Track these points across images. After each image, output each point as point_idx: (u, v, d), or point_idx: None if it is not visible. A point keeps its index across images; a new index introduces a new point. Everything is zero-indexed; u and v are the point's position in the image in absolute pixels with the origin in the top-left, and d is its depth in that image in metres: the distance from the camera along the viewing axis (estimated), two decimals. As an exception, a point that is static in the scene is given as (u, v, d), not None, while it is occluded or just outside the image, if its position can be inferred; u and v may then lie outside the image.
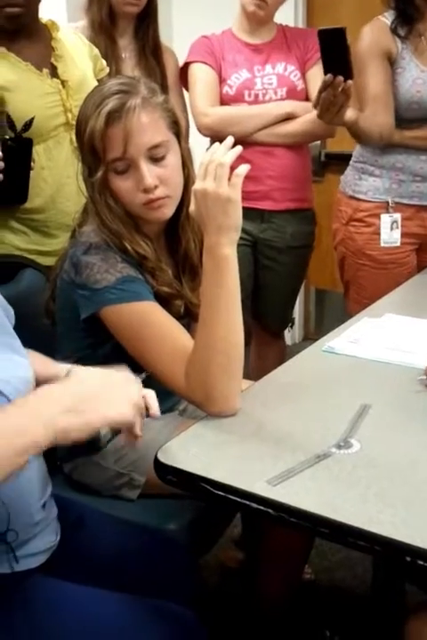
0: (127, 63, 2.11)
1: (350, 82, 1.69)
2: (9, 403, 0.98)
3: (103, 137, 1.22)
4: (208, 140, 2.16)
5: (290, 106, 2.09)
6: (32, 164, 1.66)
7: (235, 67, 2.11)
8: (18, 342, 1.10)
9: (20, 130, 1.60)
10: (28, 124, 1.61)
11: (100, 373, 0.94)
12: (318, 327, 3.62)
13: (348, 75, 1.68)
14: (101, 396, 0.89)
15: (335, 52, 1.66)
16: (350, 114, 1.81)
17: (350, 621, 1.72)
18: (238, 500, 0.96)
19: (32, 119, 1.61)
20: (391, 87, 1.96)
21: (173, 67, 2.20)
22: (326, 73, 1.69)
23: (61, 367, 1.15)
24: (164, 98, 1.29)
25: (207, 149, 1.32)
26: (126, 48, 2.13)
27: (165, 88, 2.08)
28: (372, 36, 1.97)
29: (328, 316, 3.60)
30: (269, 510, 0.94)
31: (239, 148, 1.13)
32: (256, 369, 2.35)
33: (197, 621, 1.11)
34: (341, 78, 1.67)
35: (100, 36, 2.03)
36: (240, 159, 1.13)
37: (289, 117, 2.09)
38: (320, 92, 1.73)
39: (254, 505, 0.95)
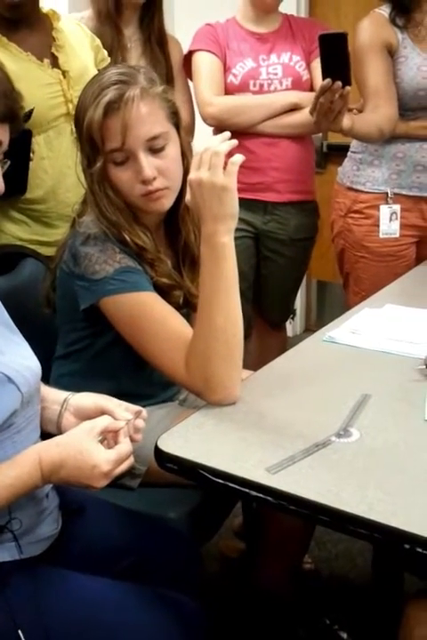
0: (132, 53, 2.09)
1: (348, 88, 1.66)
2: (19, 391, 1.01)
3: (102, 128, 1.22)
4: (211, 130, 2.15)
5: (296, 96, 2.08)
6: (31, 155, 1.65)
7: (240, 55, 2.09)
8: (20, 335, 1.11)
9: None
10: (28, 116, 1.60)
11: (74, 454, 1.00)
12: (319, 319, 3.62)
13: (346, 81, 1.65)
14: (79, 480, 1.00)
15: (335, 56, 1.64)
16: (345, 121, 1.79)
17: (349, 611, 1.73)
18: (238, 487, 0.97)
19: (32, 110, 1.61)
20: (393, 79, 1.96)
21: (177, 56, 2.18)
22: (324, 78, 1.66)
23: (59, 395, 1.17)
24: (163, 88, 1.28)
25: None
26: (131, 38, 2.10)
27: (170, 78, 2.06)
28: (371, 29, 1.96)
29: (329, 308, 3.60)
30: (269, 498, 0.94)
31: (235, 141, 1.13)
32: (257, 360, 2.34)
33: (197, 609, 1.12)
34: (339, 83, 1.64)
35: (105, 27, 2.01)
36: (244, 149, 1.12)
37: (294, 108, 2.07)
38: (317, 97, 1.70)
39: (254, 493, 0.95)
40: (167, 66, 2.11)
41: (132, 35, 2.10)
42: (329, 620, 1.66)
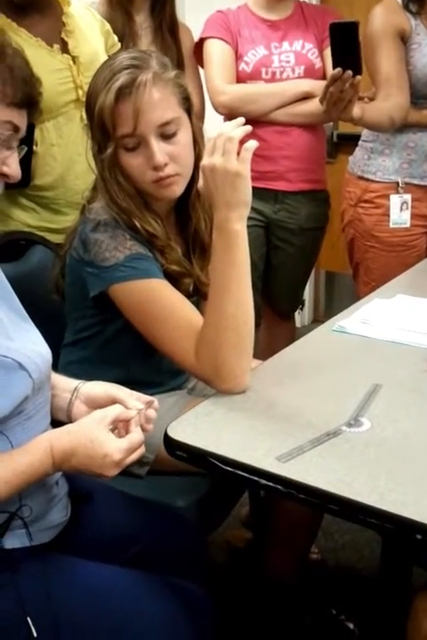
0: (143, 40, 2.08)
1: (358, 77, 1.65)
2: (30, 378, 1.01)
3: (113, 113, 1.21)
4: (222, 119, 2.14)
5: (308, 85, 2.06)
6: (34, 147, 1.64)
7: (251, 43, 2.07)
8: (30, 321, 1.11)
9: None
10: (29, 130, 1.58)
11: (85, 442, 1.00)
12: (328, 309, 3.61)
13: (357, 70, 1.64)
14: (90, 468, 1.00)
15: (346, 46, 1.63)
16: (355, 110, 1.78)
17: (356, 601, 1.72)
18: (248, 476, 0.96)
19: (32, 126, 1.58)
20: (405, 66, 1.94)
21: (188, 44, 2.16)
22: (334, 67, 1.65)
23: (69, 383, 1.17)
24: (175, 73, 1.27)
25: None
26: (142, 25, 2.09)
27: (180, 66, 2.04)
28: (383, 15, 1.94)
29: (338, 299, 3.59)
30: (279, 487, 0.94)
31: (249, 127, 1.12)
32: (266, 350, 2.33)
33: (205, 598, 1.12)
34: (349, 73, 1.63)
35: (117, 12, 2.00)
36: (256, 138, 1.11)
37: (307, 97, 2.06)
38: (328, 86, 1.69)
39: (264, 481, 0.95)
40: (178, 53, 2.09)
41: (143, 22, 2.09)
42: (335, 611, 1.66)
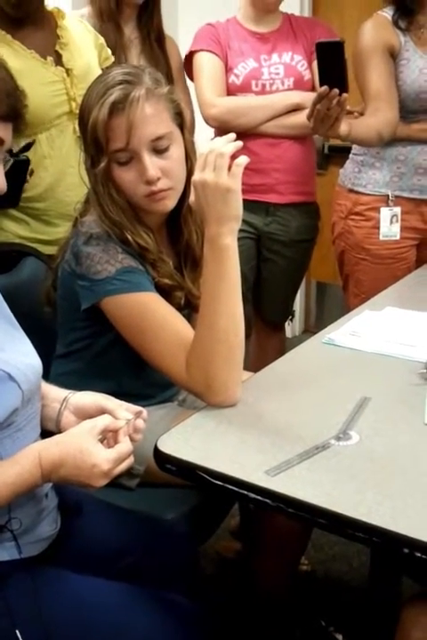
0: (132, 52, 2.10)
1: (345, 95, 1.67)
2: (20, 389, 1.01)
3: (106, 128, 1.22)
4: (212, 131, 2.15)
5: (298, 96, 2.07)
6: (28, 177, 1.64)
7: (241, 55, 2.09)
8: (22, 331, 1.11)
9: (18, 151, 1.58)
10: (27, 147, 1.59)
11: (73, 452, 1.00)
12: (319, 320, 3.62)
13: (343, 88, 1.67)
14: (78, 479, 1.00)
15: (333, 64, 1.66)
16: (343, 127, 1.80)
17: (346, 612, 1.73)
18: (237, 489, 0.97)
19: (32, 142, 1.59)
20: (394, 82, 1.96)
21: (176, 57, 2.19)
22: (321, 85, 1.68)
23: (59, 393, 1.17)
24: (168, 88, 1.28)
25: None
26: (130, 36, 2.11)
27: (169, 78, 2.06)
28: (373, 31, 1.96)
29: (328, 310, 3.60)
30: (268, 500, 0.94)
31: (240, 143, 1.13)
32: (256, 361, 2.35)
33: (195, 610, 1.12)
34: (336, 91, 1.66)
35: (108, 25, 2.02)
36: (246, 151, 1.13)
37: (297, 108, 2.07)
38: (315, 103, 1.71)
39: (253, 495, 0.96)
40: (167, 65, 2.11)
41: (130, 33, 2.11)
42: (325, 622, 1.66)
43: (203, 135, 2.01)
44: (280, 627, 1.55)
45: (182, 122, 1.30)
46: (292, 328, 3.46)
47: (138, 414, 1.07)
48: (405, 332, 1.46)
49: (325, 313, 3.64)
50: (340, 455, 1.02)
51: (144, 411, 1.08)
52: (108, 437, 1.03)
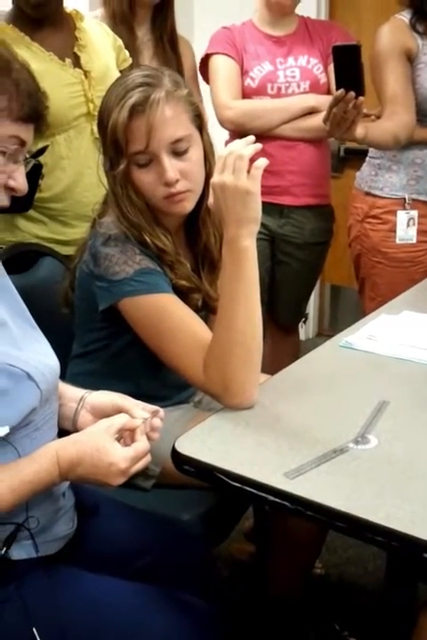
0: (144, 54, 2.10)
1: (361, 98, 1.68)
2: (38, 389, 1.01)
3: (126, 130, 1.22)
4: (227, 133, 2.16)
5: (314, 99, 2.08)
6: (40, 182, 1.65)
7: (257, 59, 2.09)
8: (40, 331, 1.12)
9: (32, 155, 1.59)
10: (40, 152, 1.60)
11: (91, 451, 1.00)
12: (333, 323, 3.61)
13: (360, 91, 1.67)
14: (96, 477, 1.01)
15: (349, 67, 1.66)
16: (359, 130, 1.80)
17: (359, 616, 1.72)
18: (256, 492, 0.97)
19: (45, 148, 1.59)
20: (411, 85, 1.95)
21: (189, 58, 2.19)
22: (337, 88, 1.68)
23: (76, 392, 1.17)
24: (188, 91, 1.29)
25: (226, 144, 1.31)
26: (143, 39, 2.11)
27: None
28: (390, 34, 1.96)
29: (342, 313, 3.59)
30: (287, 503, 0.94)
31: (259, 145, 1.13)
32: (269, 363, 2.34)
33: (211, 612, 1.12)
34: (352, 94, 1.66)
35: (121, 27, 2.02)
36: (262, 153, 1.13)
37: (312, 111, 2.07)
38: (331, 107, 1.72)
39: (271, 497, 0.95)
40: (179, 66, 2.11)
41: (144, 35, 2.11)
42: (339, 626, 1.66)
43: (217, 138, 2.02)
44: (293, 630, 1.54)
45: (201, 124, 1.30)
46: (305, 331, 3.45)
47: (155, 413, 1.07)
48: (422, 336, 1.45)
49: (339, 316, 3.63)
50: (358, 459, 1.01)
51: (161, 410, 1.08)
52: (125, 436, 1.03)
